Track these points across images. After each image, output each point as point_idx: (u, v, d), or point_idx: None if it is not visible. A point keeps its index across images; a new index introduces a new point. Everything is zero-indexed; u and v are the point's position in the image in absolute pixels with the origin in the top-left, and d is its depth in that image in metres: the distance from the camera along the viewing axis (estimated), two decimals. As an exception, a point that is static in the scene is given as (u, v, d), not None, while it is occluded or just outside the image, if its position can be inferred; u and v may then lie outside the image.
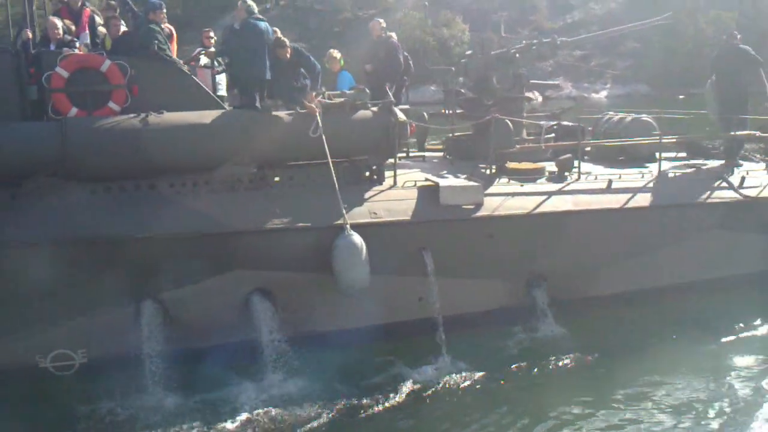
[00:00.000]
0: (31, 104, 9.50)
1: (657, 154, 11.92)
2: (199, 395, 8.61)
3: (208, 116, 9.28)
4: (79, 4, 10.98)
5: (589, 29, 41.53)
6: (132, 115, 9.00)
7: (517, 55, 11.92)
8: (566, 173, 10.85)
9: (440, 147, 12.94)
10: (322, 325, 9.43)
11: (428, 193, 9.74)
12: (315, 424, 8.16)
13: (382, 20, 12.06)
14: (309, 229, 9.12)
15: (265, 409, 8.34)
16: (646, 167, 11.75)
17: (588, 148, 12.43)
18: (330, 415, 8.28)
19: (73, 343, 8.93)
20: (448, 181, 9.90)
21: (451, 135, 12.32)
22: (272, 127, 9.48)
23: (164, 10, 9.94)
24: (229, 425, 8.12)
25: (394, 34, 12.03)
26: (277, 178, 9.62)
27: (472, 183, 9.86)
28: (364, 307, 9.41)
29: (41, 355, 8.90)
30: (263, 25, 10.49)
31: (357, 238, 8.88)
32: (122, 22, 10.87)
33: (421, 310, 9.82)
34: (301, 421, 8.19)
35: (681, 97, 38.40)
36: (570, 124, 12.39)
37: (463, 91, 12.10)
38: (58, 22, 9.76)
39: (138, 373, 8.69)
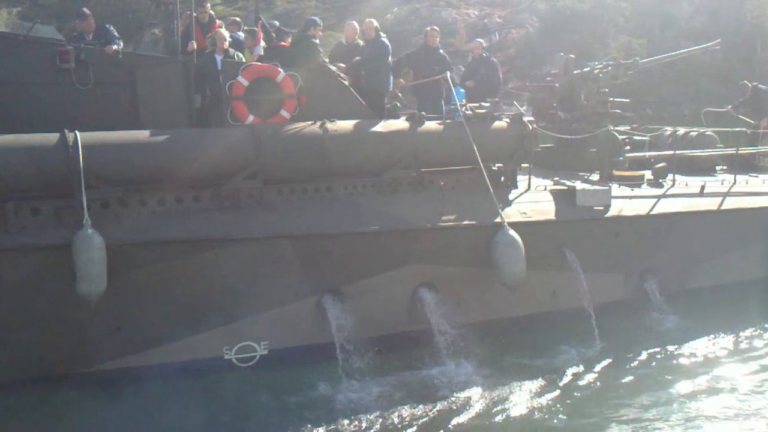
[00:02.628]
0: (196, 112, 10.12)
1: (718, 167, 13.49)
2: (386, 381, 9.26)
3: (376, 124, 10.06)
4: (207, 18, 11.58)
5: (506, 52, 43.77)
6: (310, 122, 9.69)
7: (600, 74, 13.16)
8: (661, 180, 12.12)
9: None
10: (477, 315, 10.22)
11: (564, 196, 10.77)
12: (490, 403, 8.91)
13: (482, 40, 13.09)
14: (474, 227, 9.96)
15: (453, 392, 9.10)
16: (715, 176, 13.18)
17: (652, 159, 13.76)
18: (508, 398, 9.02)
19: (257, 335, 9.46)
20: (582, 185, 10.96)
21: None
22: (428, 135, 10.32)
23: (321, 26, 10.66)
24: (421, 408, 8.78)
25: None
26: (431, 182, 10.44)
27: (602, 187, 10.95)
28: (510, 299, 10.31)
29: (228, 348, 9.40)
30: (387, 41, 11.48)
31: (516, 234, 9.79)
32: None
33: (553, 303, 10.81)
34: (481, 400, 8.97)
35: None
36: (639, 137, 13.74)
37: (555, 105, 13.22)
38: (227, 34, 10.33)
39: (326, 364, 9.32)
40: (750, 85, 15.41)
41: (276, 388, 9.16)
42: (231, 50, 10.32)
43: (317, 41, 10.45)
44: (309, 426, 8.42)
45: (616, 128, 12.66)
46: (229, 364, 9.46)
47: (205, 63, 10.14)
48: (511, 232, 9.78)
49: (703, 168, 13.59)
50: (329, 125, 9.67)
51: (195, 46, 10.18)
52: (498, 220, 9.93)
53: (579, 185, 10.88)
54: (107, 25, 10.42)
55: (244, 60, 10.36)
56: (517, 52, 48.80)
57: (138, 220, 8.74)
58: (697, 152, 13.23)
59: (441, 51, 11.82)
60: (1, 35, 9.42)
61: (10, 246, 8.15)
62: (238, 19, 12.06)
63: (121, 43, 10.10)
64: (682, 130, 14.23)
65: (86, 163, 8.31)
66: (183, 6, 11.48)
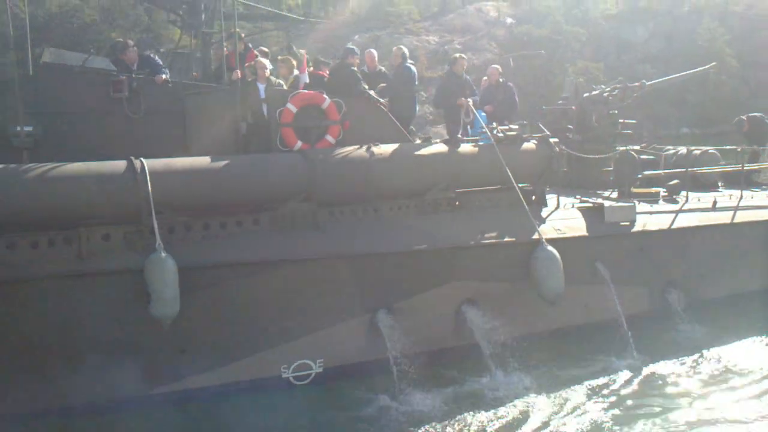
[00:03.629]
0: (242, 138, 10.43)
1: (720, 183, 14.26)
2: (440, 393, 9.61)
3: (418, 148, 10.50)
4: (243, 47, 11.91)
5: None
6: (356, 147, 10.08)
7: (610, 97, 13.82)
8: (674, 196, 12.75)
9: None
10: (517, 329, 10.57)
11: (592, 213, 11.31)
12: (537, 410, 9.32)
13: (499, 66, 13.65)
14: (513, 244, 10.42)
15: (501, 401, 9.50)
16: (721, 192, 13.89)
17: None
18: (553, 405, 9.46)
19: (313, 353, 9.75)
20: (609, 202, 11.52)
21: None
22: (464, 157, 10.77)
23: (359, 55, 11.10)
24: (474, 416, 9.15)
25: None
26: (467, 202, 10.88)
27: (627, 203, 11.52)
28: (546, 313, 10.76)
29: (285, 366, 9.67)
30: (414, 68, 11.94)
31: (554, 250, 10.27)
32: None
33: (587, 316, 11.28)
34: (527, 408, 9.37)
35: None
36: (647, 156, 14.41)
37: (570, 127, 13.80)
38: (267, 63, 10.68)
39: (380, 378, 9.64)
40: (745, 118, 16.24)
41: (334, 404, 9.45)
42: (273, 78, 10.66)
43: (356, 69, 10.88)
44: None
45: (627, 148, 13.31)
46: (287, 383, 9.73)
47: (247, 91, 10.47)
48: (550, 247, 10.26)
49: (706, 184, 14.28)
50: (376, 149, 10.08)
51: (240, 75, 10.52)
52: (536, 236, 10.41)
53: (606, 202, 11.43)
54: (151, 55, 10.71)
55: (285, 88, 10.71)
56: (477, 78, 49.93)
57: (202, 244, 9.00)
58: (710, 169, 13.95)
59: (466, 77, 12.30)
60: (59, 67, 9.65)
61: (84, 271, 8.36)
62: (265, 48, 12.41)
63: (168, 72, 10.42)
64: (684, 149, 14.96)
65: (153, 190, 8.57)
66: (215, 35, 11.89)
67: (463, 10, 59.76)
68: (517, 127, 11.46)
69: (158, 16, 48.81)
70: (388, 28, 55.69)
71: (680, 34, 54.22)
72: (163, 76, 10.13)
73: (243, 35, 12.34)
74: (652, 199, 12.43)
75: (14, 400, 8.41)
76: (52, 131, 9.51)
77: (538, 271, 10.22)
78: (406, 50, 12.05)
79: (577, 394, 9.75)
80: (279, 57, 11.87)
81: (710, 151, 14.63)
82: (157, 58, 10.72)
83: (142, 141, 9.68)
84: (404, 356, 9.63)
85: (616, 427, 8.95)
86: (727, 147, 15.90)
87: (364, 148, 10.06)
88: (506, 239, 10.44)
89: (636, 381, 10.14)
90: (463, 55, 12.28)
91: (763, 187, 15.01)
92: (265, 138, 10.31)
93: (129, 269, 8.45)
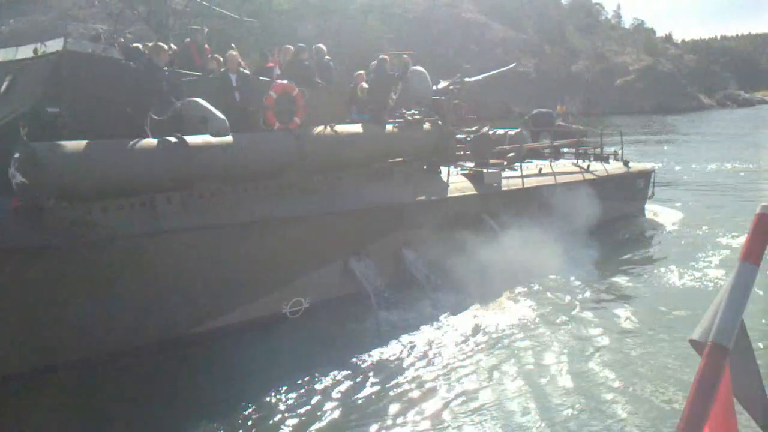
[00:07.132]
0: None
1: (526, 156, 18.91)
2: (403, 311, 12.63)
3: (364, 128, 13.35)
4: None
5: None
6: (321, 127, 12.66)
7: (455, 90, 17.65)
8: (512, 165, 16.98)
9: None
10: (438, 263, 13.86)
11: (475, 177, 15.02)
12: (474, 316, 12.86)
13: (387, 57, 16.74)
14: (435, 201, 13.75)
15: (445, 312, 12.83)
16: (532, 162, 18.45)
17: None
18: (483, 310, 13.04)
19: (303, 292, 12.22)
20: (485, 168, 15.32)
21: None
22: (388, 135, 13.85)
23: (307, 50, 13.55)
24: (433, 324, 12.39)
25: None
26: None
27: (496, 170, 15.41)
28: (455, 251, 14.23)
29: (285, 303, 12.03)
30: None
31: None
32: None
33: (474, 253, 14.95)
34: (465, 316, 12.84)
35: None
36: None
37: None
38: (237, 54, 12.69)
39: (359, 307, 12.45)
40: (534, 112, 21.30)
41: (327, 330, 12.01)
42: (242, 69, 12.74)
43: (308, 63, 13.36)
44: (363, 347, 11.32)
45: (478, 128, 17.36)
46: (284, 317, 12.08)
47: (221, 80, 12.46)
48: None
49: (516, 157, 18.78)
50: (337, 128, 12.76)
51: (216, 65, 12.48)
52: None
53: (484, 169, 15.24)
54: (140, 47, 12.21)
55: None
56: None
57: (229, 206, 11.01)
58: (538, 145, 18.46)
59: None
60: (82, 55, 10.85)
61: (160, 230, 10.09)
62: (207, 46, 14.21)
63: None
64: (501, 130, 19.39)
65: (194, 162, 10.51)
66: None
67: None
68: (417, 112, 14.76)
69: None
70: (51, 13, 56.04)
71: (348, 31, 58.97)
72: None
73: (206, 30, 14.06)
74: (500, 168, 16.50)
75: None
76: (77, 112, 10.71)
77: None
78: (324, 48, 14.69)
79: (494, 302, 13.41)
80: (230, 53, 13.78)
81: (523, 132, 19.22)
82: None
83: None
84: (377, 288, 12.56)
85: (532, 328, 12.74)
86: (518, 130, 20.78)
87: (329, 128, 12.69)
88: (432, 198, 13.75)
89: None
90: (387, 56, 14.97)
91: (551, 159, 19.93)
92: (238, 119, 12.36)
93: (194, 227, 10.33)
